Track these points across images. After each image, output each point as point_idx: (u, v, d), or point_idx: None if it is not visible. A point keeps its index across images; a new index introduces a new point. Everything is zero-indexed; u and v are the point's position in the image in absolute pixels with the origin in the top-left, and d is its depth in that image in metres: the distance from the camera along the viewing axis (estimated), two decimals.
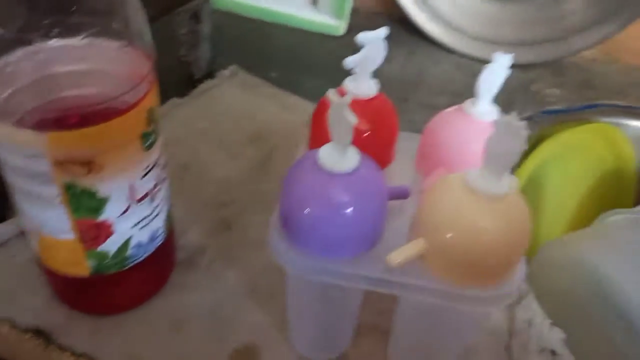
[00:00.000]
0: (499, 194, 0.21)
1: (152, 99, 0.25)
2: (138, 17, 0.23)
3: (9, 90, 0.21)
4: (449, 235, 0.22)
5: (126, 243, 0.27)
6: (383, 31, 0.27)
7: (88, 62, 0.22)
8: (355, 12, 0.63)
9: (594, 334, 0.36)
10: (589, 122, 0.55)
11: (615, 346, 0.35)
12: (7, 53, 0.20)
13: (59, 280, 0.29)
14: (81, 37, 0.21)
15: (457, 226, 0.21)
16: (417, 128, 0.31)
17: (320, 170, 0.22)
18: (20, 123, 0.21)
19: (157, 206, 0.28)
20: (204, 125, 0.46)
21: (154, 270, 0.30)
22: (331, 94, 0.25)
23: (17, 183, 0.24)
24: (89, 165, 0.23)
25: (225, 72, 0.52)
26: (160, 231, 0.29)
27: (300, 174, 0.23)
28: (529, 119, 0.53)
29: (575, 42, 0.57)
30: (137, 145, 0.24)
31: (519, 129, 0.20)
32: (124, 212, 0.26)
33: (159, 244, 0.29)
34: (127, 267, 0.28)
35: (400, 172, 0.29)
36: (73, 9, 0.20)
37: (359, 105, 0.29)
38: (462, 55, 0.59)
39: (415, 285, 0.23)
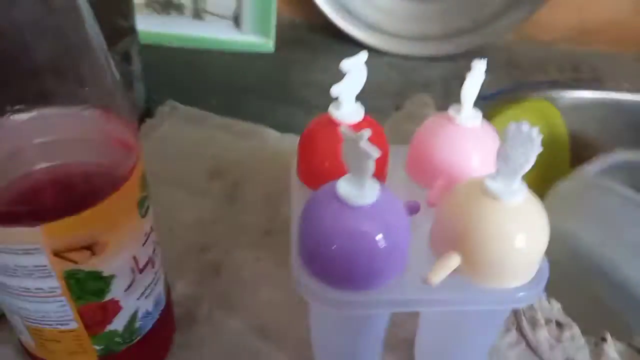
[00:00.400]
0: (520, 199, 0.22)
1: (141, 162, 0.23)
2: (114, 82, 0.21)
3: None
4: (480, 244, 0.22)
5: (134, 316, 0.25)
6: (363, 55, 0.27)
7: (72, 135, 0.20)
8: (279, 25, 0.62)
9: (582, 297, 0.38)
10: (520, 100, 0.58)
11: (602, 304, 0.38)
12: None
13: None
14: (59, 107, 0.19)
15: (486, 235, 0.22)
16: None
17: (342, 204, 0.22)
18: (8, 219, 0.19)
19: (157, 271, 0.26)
20: (156, 169, 0.44)
21: (161, 335, 0.29)
22: (344, 129, 0.24)
23: (9, 282, 0.21)
24: (92, 247, 0.21)
25: (165, 108, 0.50)
26: (162, 294, 0.27)
27: (321, 209, 0.23)
28: None
29: (496, 27, 0.60)
30: (135, 214, 0.23)
31: (532, 133, 0.21)
32: (130, 286, 0.24)
33: (164, 306, 0.28)
34: (135, 340, 0.26)
35: (395, 185, 0.29)
36: (50, 78, 0.18)
37: None
38: (393, 55, 0.61)
39: (454, 298, 0.23)
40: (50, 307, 0.22)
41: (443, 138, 0.28)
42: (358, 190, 0.22)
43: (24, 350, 0.27)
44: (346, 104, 0.28)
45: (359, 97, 0.28)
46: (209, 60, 0.60)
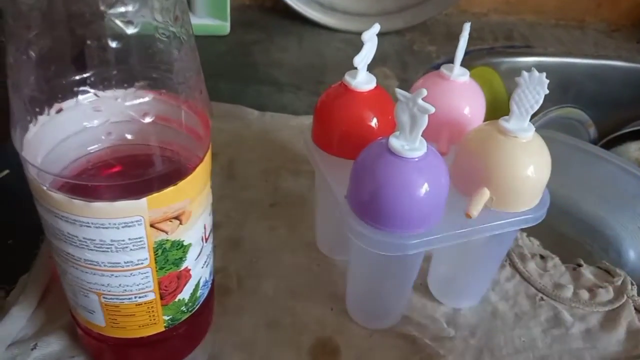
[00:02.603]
0: (530, 136, 0.27)
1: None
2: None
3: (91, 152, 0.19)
4: (502, 176, 0.27)
5: (197, 284, 0.27)
6: (377, 27, 0.29)
7: (171, 116, 0.21)
8: (231, 9, 0.63)
9: (552, 235, 0.43)
10: (467, 68, 0.64)
11: (568, 238, 0.44)
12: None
13: (122, 345, 0.27)
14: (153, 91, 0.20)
15: (506, 166, 0.27)
16: None
17: (395, 157, 0.25)
18: (117, 193, 0.20)
19: (212, 241, 0.28)
20: None
21: (210, 304, 0.30)
22: (399, 91, 0.26)
23: (98, 258, 0.22)
24: (180, 217, 0.22)
25: None
26: (213, 265, 0.29)
27: (375, 162, 0.25)
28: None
29: (437, 3, 0.65)
30: (208, 184, 0.24)
31: (542, 78, 0.25)
32: (199, 254, 0.25)
33: (213, 277, 0.29)
34: (195, 309, 0.28)
35: None
36: (147, 64, 0.20)
37: (362, 97, 0.31)
38: (345, 32, 0.64)
39: (487, 226, 0.28)
40: (135, 279, 0.23)
41: (442, 93, 0.31)
42: (410, 145, 0.25)
43: (83, 332, 0.27)
44: (361, 73, 0.31)
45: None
46: None
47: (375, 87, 0.31)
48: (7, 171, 0.40)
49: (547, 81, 0.26)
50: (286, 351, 0.31)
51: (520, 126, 0.27)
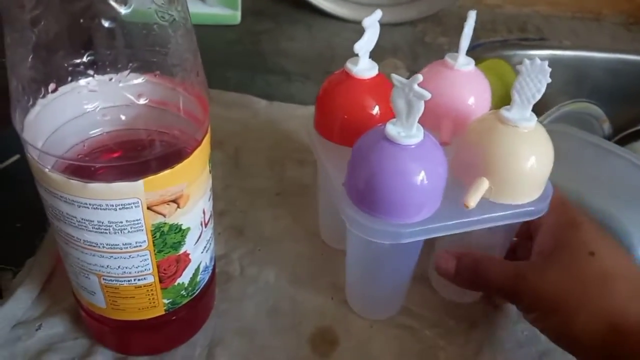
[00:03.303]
0: (532, 125, 0.26)
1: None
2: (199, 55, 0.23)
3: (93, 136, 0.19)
4: (503, 166, 0.26)
5: (197, 269, 0.27)
6: (378, 13, 0.29)
7: (169, 101, 0.22)
8: None
9: None
10: (479, 60, 0.63)
11: None
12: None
13: (123, 327, 0.28)
14: (154, 74, 0.20)
15: (507, 156, 0.26)
16: None
17: (391, 144, 0.24)
18: (114, 175, 0.20)
19: (212, 227, 0.28)
20: None
21: (211, 290, 0.30)
22: (395, 76, 0.26)
23: (97, 239, 0.22)
24: (177, 200, 0.22)
25: None
26: (214, 251, 0.29)
27: (371, 148, 0.25)
28: None
29: None
30: (207, 168, 0.24)
31: (544, 66, 0.25)
32: (199, 239, 0.25)
33: (214, 263, 0.29)
34: (196, 294, 0.28)
35: None
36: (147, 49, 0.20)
37: (363, 84, 0.31)
38: (357, 23, 0.63)
39: (487, 217, 0.27)
40: (134, 262, 0.23)
41: (445, 82, 0.31)
42: (406, 132, 0.25)
43: (85, 314, 0.28)
44: (362, 60, 0.30)
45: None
46: None
47: (378, 75, 0.31)
48: (17, 156, 0.40)
49: (549, 70, 0.25)
50: (286, 339, 0.31)
51: (521, 115, 0.26)
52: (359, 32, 0.29)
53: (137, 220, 0.22)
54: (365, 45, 0.30)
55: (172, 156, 0.21)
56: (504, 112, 0.26)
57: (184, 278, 0.26)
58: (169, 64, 0.20)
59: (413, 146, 0.25)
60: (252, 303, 0.33)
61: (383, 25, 0.29)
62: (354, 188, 0.26)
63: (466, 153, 0.28)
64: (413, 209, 0.25)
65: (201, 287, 0.28)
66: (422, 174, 0.25)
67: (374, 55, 0.31)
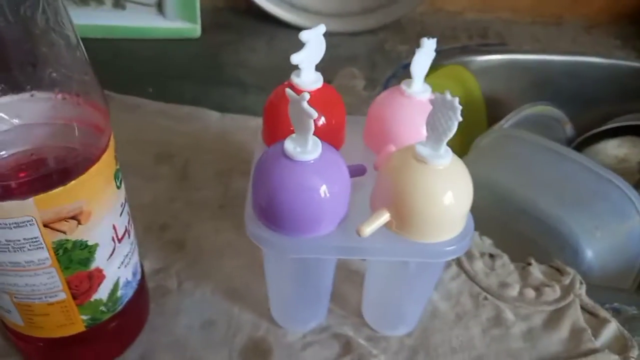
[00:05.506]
0: (446, 163, 0.25)
1: (112, 138, 0.25)
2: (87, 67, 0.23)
3: None
4: (410, 203, 0.25)
5: (116, 285, 0.27)
6: (322, 27, 0.29)
7: (54, 115, 0.22)
8: (202, 11, 0.63)
9: (508, 233, 0.43)
10: (438, 67, 0.63)
11: (525, 236, 0.44)
12: None
13: (48, 345, 0.28)
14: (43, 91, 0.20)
15: (415, 194, 0.25)
16: None
17: (288, 159, 0.24)
18: (1, 194, 0.20)
19: (132, 242, 0.28)
20: None
21: (140, 304, 0.30)
22: (289, 92, 0.27)
23: (0, 259, 0.22)
24: (78, 217, 0.22)
25: None
26: (138, 265, 0.29)
27: (270, 164, 0.25)
28: (393, 76, 0.60)
29: (409, 1, 0.64)
30: (113, 184, 0.24)
31: (454, 103, 0.23)
32: (111, 254, 0.25)
33: (140, 277, 0.29)
34: (119, 310, 0.28)
35: (353, 151, 0.32)
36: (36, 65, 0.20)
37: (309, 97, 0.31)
38: None
39: (385, 248, 0.26)
40: (40, 279, 0.23)
41: (394, 109, 0.30)
42: (302, 148, 0.25)
43: (9, 333, 0.28)
44: (306, 73, 0.30)
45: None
46: (136, 49, 0.60)
47: (323, 86, 0.31)
48: None
49: (460, 107, 0.23)
50: (217, 352, 0.31)
51: (435, 152, 0.25)
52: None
53: (34, 238, 0.22)
54: (306, 57, 0.30)
55: (67, 173, 0.21)
56: (418, 146, 0.25)
57: (101, 294, 0.26)
58: (49, 80, 0.20)
59: (311, 162, 0.24)
60: (186, 317, 0.33)
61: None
62: (255, 201, 0.26)
63: (378, 182, 0.27)
64: (311, 225, 0.25)
65: (125, 302, 0.28)
66: (317, 189, 0.24)
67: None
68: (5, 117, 0.19)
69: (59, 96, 0.21)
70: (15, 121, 0.20)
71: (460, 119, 0.23)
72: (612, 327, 0.33)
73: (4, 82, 0.20)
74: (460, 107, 0.23)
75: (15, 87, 0.20)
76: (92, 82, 0.23)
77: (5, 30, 0.19)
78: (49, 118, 0.21)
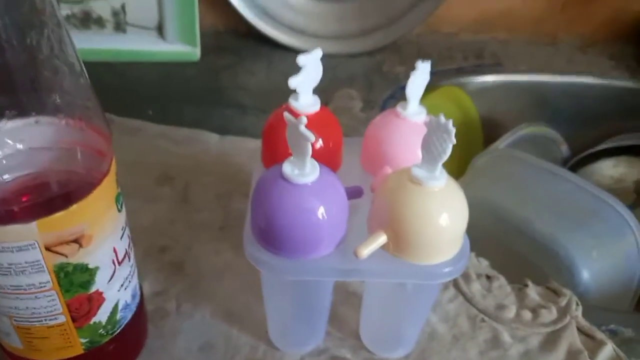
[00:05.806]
0: (441, 185, 0.25)
1: (114, 162, 0.25)
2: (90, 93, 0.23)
3: None
4: (405, 225, 0.25)
5: (115, 307, 0.27)
6: (318, 51, 0.29)
7: (56, 139, 0.22)
8: (202, 34, 0.64)
9: (505, 253, 0.43)
10: (434, 88, 0.64)
11: (522, 257, 0.44)
12: None
13: None
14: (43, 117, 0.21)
15: (411, 216, 0.25)
16: None
17: (286, 182, 0.25)
18: (5, 218, 0.21)
19: (132, 264, 0.28)
20: None
21: (138, 327, 0.30)
22: (287, 115, 0.27)
23: (1, 282, 0.23)
24: (79, 240, 0.23)
25: None
26: (137, 287, 0.29)
27: (268, 188, 0.26)
28: (391, 97, 0.61)
29: (406, 22, 0.66)
30: (114, 208, 0.25)
31: (448, 125, 0.23)
32: (112, 277, 0.26)
33: (139, 299, 0.29)
34: (117, 332, 0.28)
35: (350, 173, 0.32)
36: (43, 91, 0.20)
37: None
38: None
39: (382, 270, 0.27)
40: (41, 302, 0.24)
41: (389, 131, 0.31)
42: (300, 170, 0.25)
43: (7, 356, 0.28)
44: (304, 96, 0.30)
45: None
46: (137, 72, 0.61)
47: (321, 109, 0.31)
48: None
49: (454, 130, 0.23)
50: None
51: (430, 174, 0.25)
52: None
53: (36, 261, 0.22)
54: (303, 81, 0.30)
55: (69, 196, 0.22)
56: (414, 169, 0.25)
57: (100, 317, 0.26)
58: (53, 105, 0.21)
59: (309, 184, 0.25)
60: (185, 339, 0.33)
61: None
62: (254, 223, 0.27)
63: (374, 204, 0.27)
64: (309, 247, 0.26)
65: (123, 325, 0.28)
66: (315, 212, 0.25)
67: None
68: (10, 141, 0.20)
69: (63, 121, 0.21)
70: (19, 146, 0.21)
71: (455, 141, 0.23)
72: (609, 350, 0.33)
73: (9, 107, 0.20)
74: (454, 130, 0.23)
75: (20, 113, 0.20)
76: (95, 107, 0.23)
77: (11, 57, 0.20)
78: (53, 143, 0.22)
